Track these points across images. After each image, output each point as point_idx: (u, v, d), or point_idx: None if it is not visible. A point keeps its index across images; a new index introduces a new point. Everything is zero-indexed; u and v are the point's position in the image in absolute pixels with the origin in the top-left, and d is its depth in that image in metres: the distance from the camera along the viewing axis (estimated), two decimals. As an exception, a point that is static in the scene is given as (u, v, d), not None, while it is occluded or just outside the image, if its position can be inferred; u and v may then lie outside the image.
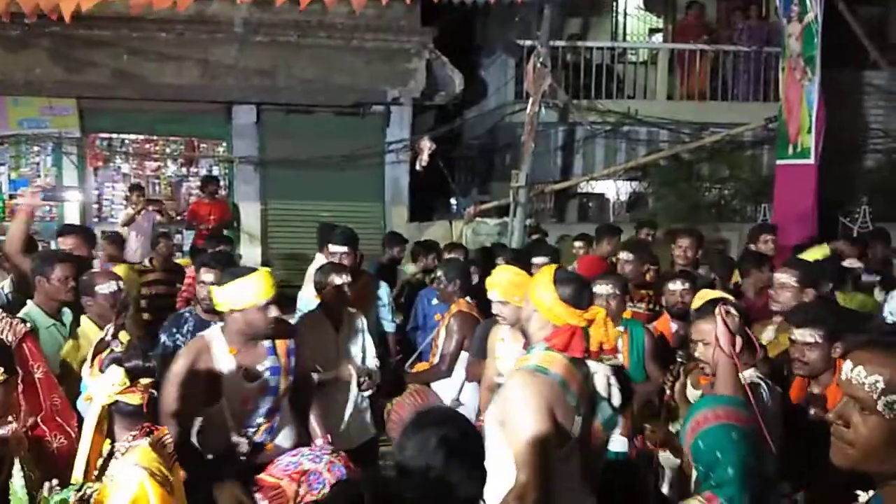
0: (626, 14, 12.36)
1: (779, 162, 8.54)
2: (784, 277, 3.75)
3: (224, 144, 9.89)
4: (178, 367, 2.95)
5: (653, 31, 12.54)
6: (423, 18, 9.30)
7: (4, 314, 2.43)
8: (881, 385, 1.36)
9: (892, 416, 1.36)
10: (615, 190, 11.27)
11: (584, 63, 10.58)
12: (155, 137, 9.85)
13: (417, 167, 9.35)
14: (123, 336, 3.53)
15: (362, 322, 4.10)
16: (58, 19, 5.87)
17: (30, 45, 8.58)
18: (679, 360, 3.09)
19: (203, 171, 9.88)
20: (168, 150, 10.01)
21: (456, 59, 9.66)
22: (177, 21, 8.74)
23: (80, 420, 2.48)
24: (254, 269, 3.07)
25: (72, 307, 3.73)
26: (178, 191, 10.05)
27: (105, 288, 3.60)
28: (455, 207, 10.24)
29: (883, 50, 9.99)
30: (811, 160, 7.87)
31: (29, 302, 3.68)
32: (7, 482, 2.11)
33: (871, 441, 1.39)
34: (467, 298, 4.37)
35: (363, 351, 4.05)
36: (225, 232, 8.02)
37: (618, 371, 2.75)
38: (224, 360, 3.02)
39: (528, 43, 9.61)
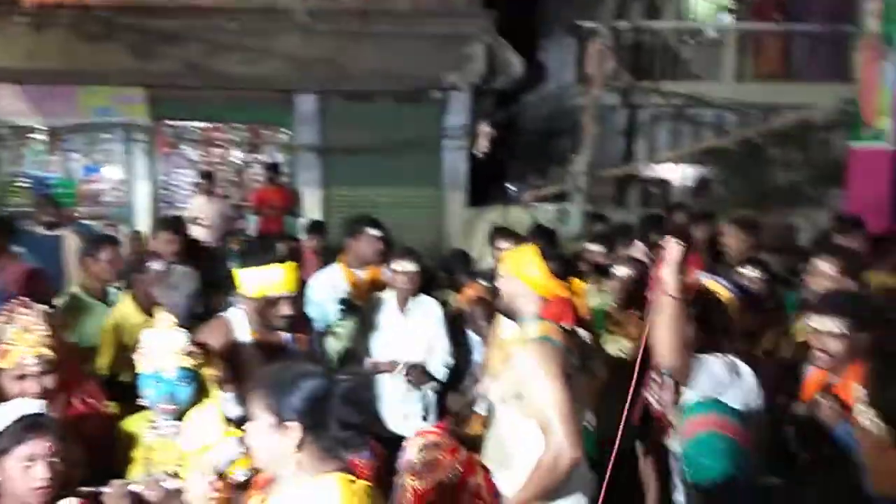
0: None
1: (852, 145, 8.18)
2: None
3: (286, 131, 10.05)
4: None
5: (724, 9, 12.08)
6: (484, 1, 9.22)
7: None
8: None
9: None
10: (679, 175, 10.98)
11: (648, 44, 10.31)
12: (220, 125, 10.08)
13: (476, 152, 9.31)
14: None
15: (437, 312, 3.99)
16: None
17: (101, 36, 8.85)
18: None
19: (266, 159, 10.08)
20: (233, 138, 10.23)
21: (516, 41, 9.54)
22: (243, 11, 8.94)
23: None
24: (280, 259, 2.86)
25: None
26: (242, 177, 10.27)
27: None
28: (512, 192, 10.16)
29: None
30: (888, 144, 7.52)
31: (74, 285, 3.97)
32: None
33: None
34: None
35: (429, 342, 3.93)
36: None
37: None
38: (245, 339, 2.88)
39: (590, 24, 9.42)
